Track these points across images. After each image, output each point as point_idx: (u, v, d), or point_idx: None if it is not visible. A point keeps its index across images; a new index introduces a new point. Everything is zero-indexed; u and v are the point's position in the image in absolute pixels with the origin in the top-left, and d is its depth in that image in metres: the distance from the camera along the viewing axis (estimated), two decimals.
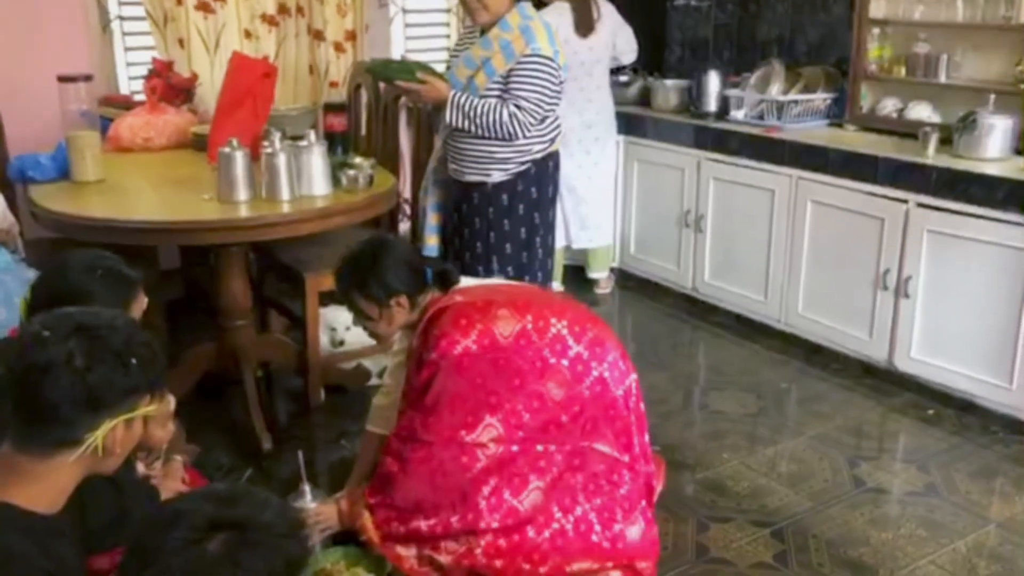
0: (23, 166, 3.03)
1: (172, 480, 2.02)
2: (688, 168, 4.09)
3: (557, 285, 4.46)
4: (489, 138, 2.96)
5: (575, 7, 3.99)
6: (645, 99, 4.47)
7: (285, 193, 2.82)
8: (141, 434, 1.43)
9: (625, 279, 4.56)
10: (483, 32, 2.98)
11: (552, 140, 3.09)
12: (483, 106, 2.91)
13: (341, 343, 3.39)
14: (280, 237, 2.83)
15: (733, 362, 3.71)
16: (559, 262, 4.44)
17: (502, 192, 3.05)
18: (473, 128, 2.93)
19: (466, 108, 2.92)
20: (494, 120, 2.89)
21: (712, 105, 4.09)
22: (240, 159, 2.77)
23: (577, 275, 4.50)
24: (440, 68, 3.15)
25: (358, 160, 3.09)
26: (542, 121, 2.99)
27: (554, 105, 3.01)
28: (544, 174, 3.10)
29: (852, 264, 3.47)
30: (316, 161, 2.89)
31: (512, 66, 2.91)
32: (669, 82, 4.37)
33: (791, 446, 3.03)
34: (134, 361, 1.35)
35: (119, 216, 2.70)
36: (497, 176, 3.03)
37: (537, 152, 3.04)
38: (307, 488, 2.43)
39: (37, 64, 3.65)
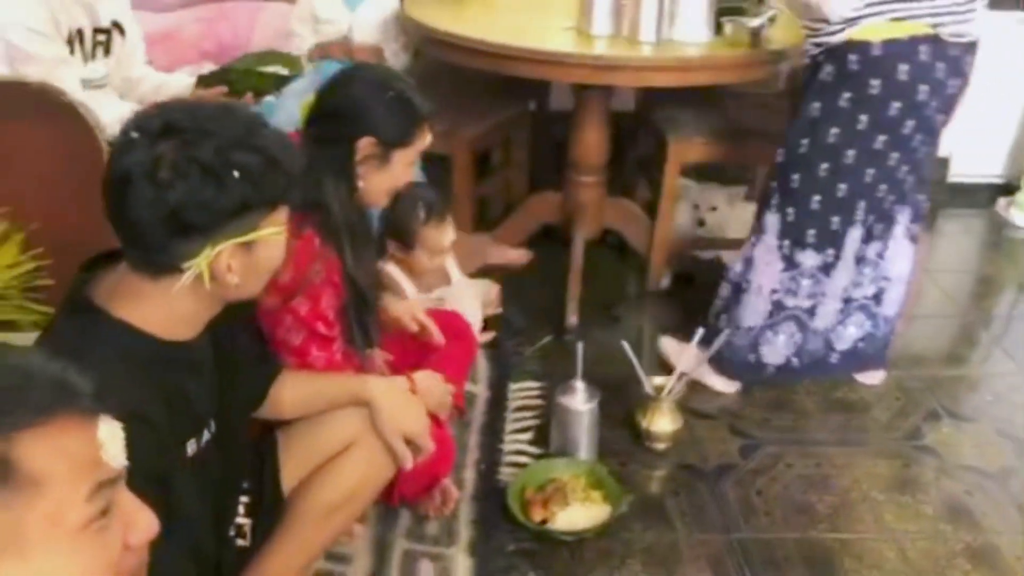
0: None
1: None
2: None
3: None
4: None
5: None
6: None
7: (649, 34, 2.34)
8: (280, 255, 1.19)
9: None
10: None
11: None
12: None
13: (701, 223, 2.89)
14: (629, 84, 2.39)
15: None
16: None
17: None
18: None
19: None
20: None
21: None
22: None
23: None
24: None
25: (762, 6, 2.45)
26: None
27: None
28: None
29: None
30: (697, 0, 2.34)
31: None
32: None
33: None
34: (236, 174, 1.07)
35: (470, 34, 2.41)
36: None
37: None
38: (580, 385, 2.08)
39: None
